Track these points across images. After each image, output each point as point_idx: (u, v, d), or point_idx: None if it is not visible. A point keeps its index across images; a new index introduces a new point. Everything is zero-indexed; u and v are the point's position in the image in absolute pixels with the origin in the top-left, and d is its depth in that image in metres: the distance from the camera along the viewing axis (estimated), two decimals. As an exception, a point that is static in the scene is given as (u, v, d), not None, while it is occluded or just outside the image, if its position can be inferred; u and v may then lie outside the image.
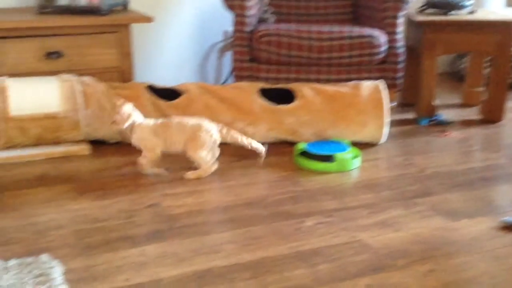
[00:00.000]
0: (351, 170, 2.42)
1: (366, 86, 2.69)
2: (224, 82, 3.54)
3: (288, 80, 2.95)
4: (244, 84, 2.76)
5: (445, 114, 3.13)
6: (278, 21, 3.29)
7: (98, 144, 2.61)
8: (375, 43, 2.93)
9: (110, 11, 2.86)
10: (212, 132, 2.29)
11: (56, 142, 2.55)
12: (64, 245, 1.80)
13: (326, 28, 2.97)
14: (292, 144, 2.62)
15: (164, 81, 2.93)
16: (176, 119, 2.32)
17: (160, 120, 2.33)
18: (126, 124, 2.27)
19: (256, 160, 2.40)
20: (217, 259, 1.73)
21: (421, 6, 3.19)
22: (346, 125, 2.63)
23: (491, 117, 3.08)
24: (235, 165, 2.45)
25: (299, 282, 1.62)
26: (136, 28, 3.16)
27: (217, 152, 2.34)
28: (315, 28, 2.96)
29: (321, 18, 3.38)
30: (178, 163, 2.38)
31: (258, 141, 2.42)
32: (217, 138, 2.31)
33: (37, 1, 2.85)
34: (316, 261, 1.73)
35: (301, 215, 2.02)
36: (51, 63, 2.75)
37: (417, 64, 3.14)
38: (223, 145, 2.41)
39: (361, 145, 2.64)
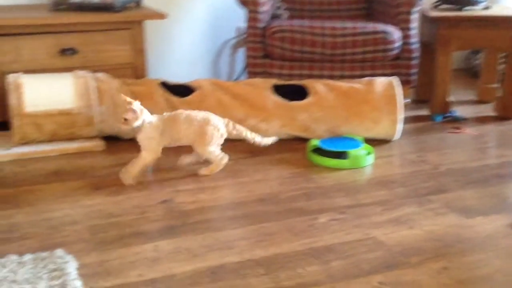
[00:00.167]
0: (364, 166, 2.41)
1: (380, 82, 2.68)
2: (237, 79, 3.54)
3: (301, 76, 2.95)
4: (257, 80, 2.76)
5: (460, 111, 3.11)
6: (291, 17, 3.28)
7: (112, 140, 2.62)
8: (389, 39, 2.91)
9: (123, 7, 2.87)
10: (220, 127, 2.28)
11: (71, 138, 2.57)
12: (78, 240, 1.81)
13: (339, 24, 2.96)
14: (305, 140, 2.61)
15: (177, 78, 2.94)
16: (183, 114, 2.27)
17: (166, 115, 2.27)
18: (138, 122, 2.18)
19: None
20: (230, 255, 1.73)
21: (436, 2, 3.17)
22: (359, 122, 2.62)
23: (506, 113, 3.05)
24: (248, 161, 2.45)
25: (312, 279, 1.62)
26: (149, 25, 3.17)
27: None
28: (328, 24, 2.95)
29: (334, 14, 3.36)
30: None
31: (271, 137, 2.42)
32: (224, 133, 2.30)
33: (51, -2, 2.87)
34: (329, 257, 1.72)
35: (314, 212, 2.01)
36: (66, 59, 2.77)
37: (431, 60, 3.12)
38: (237, 142, 2.41)
39: (375, 142, 2.63)
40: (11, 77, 2.51)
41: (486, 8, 3.08)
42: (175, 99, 2.65)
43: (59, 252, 1.70)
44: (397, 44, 2.94)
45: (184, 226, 1.91)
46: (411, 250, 1.77)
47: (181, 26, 3.43)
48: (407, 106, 3.10)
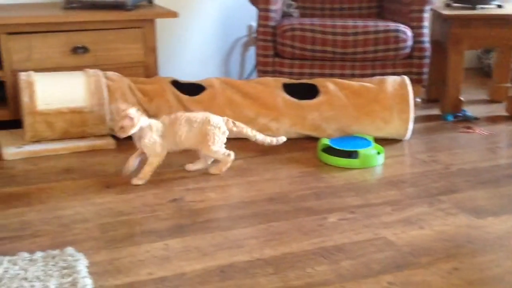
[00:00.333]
0: (374, 166, 2.40)
1: (391, 81, 2.67)
2: (247, 77, 3.54)
3: (312, 75, 2.94)
4: (267, 79, 2.76)
5: (471, 110, 3.09)
6: (302, 15, 3.28)
7: (123, 139, 2.63)
8: (400, 38, 2.90)
9: (135, 6, 2.88)
10: (220, 125, 2.27)
11: (82, 137, 2.59)
12: (88, 238, 1.82)
13: (350, 22, 2.95)
14: (315, 139, 2.61)
15: (188, 76, 2.94)
16: (183, 117, 2.24)
17: (166, 118, 2.24)
18: (135, 129, 2.14)
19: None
20: (239, 254, 1.74)
21: (448, 0, 3.15)
22: (370, 121, 2.61)
23: (519, 113, 3.04)
24: (257, 160, 2.45)
25: (321, 278, 1.62)
26: (161, 23, 3.18)
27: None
28: (339, 22, 2.94)
29: (345, 12, 3.35)
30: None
31: (279, 137, 2.41)
32: (225, 130, 2.29)
33: (63, -3, 2.89)
34: (339, 257, 1.72)
35: (324, 211, 2.01)
36: (77, 58, 2.78)
37: (443, 59, 3.10)
38: (247, 141, 2.42)
39: (385, 141, 2.62)
40: (23, 75, 2.53)
41: (499, 6, 3.06)
42: (185, 97, 2.65)
43: (70, 250, 1.71)
44: (408, 43, 2.93)
45: (194, 224, 1.91)
46: (421, 250, 1.76)
47: (192, 25, 3.44)
48: (418, 106, 3.09)
